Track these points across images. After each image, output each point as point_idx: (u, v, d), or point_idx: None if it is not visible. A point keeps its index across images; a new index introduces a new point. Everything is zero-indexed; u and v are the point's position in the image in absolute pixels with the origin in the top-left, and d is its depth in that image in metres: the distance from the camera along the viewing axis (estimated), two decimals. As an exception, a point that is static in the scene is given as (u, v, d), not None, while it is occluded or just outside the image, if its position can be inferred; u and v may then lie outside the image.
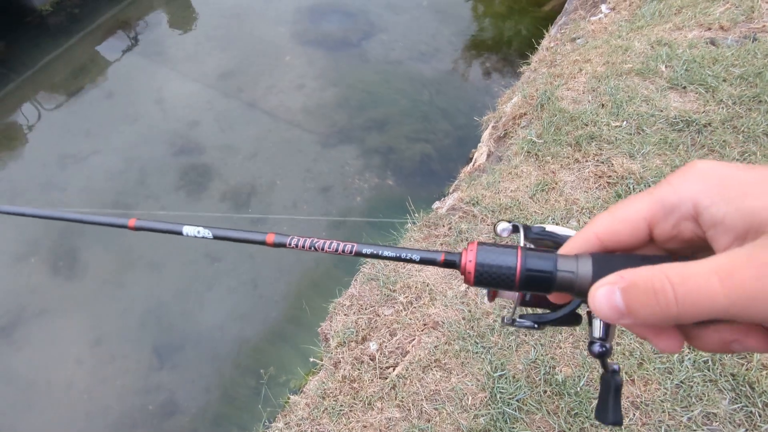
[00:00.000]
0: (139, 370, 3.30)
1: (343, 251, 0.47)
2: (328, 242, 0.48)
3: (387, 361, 1.99)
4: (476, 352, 1.89)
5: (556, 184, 2.31)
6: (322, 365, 2.20)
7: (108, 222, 0.61)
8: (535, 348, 1.85)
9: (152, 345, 3.40)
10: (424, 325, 2.03)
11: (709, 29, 2.67)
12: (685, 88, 2.42)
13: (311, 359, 2.28)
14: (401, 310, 2.13)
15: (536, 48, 3.73)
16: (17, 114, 4.97)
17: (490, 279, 0.39)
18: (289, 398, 2.13)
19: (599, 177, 2.26)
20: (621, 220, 0.34)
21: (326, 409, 1.94)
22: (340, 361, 2.09)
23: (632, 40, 2.75)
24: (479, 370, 1.86)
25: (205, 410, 3.08)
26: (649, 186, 2.15)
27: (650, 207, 0.33)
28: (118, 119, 4.70)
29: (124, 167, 4.33)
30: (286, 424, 1.97)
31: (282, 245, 0.50)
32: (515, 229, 0.45)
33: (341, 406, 1.93)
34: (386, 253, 0.45)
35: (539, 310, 0.46)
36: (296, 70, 4.86)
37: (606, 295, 0.30)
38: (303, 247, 0.49)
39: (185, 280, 3.67)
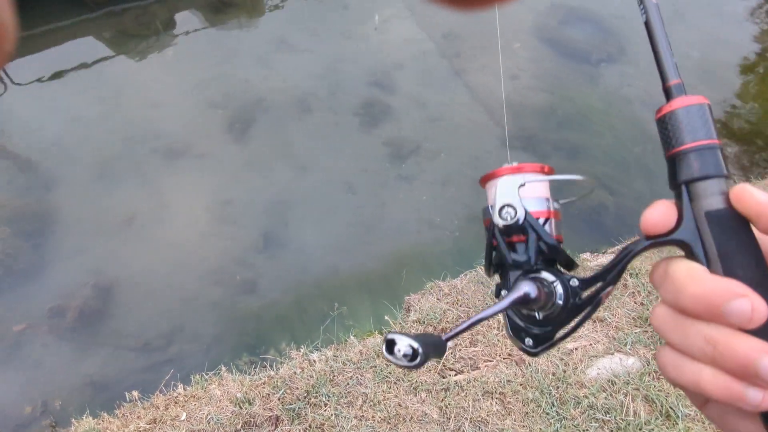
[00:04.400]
0: (246, 244, 3.73)
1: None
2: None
3: (453, 364, 1.96)
4: (547, 413, 1.75)
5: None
6: (390, 330, 2.26)
7: None
8: (614, 450, 1.65)
9: (265, 229, 3.81)
10: (509, 354, 1.93)
11: None
12: None
13: (386, 317, 2.34)
14: (494, 328, 2.06)
15: (806, 157, 3.13)
16: (269, -8, 5.79)
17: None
18: (348, 338, 2.24)
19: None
20: None
21: (375, 367, 2.00)
22: (410, 336, 2.12)
23: None
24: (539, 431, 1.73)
25: (274, 305, 3.39)
26: None
27: None
28: (339, 32, 5.20)
29: (322, 74, 4.79)
30: (334, 356, 2.09)
31: None
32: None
33: (389, 373, 1.96)
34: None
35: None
36: (519, 60, 4.80)
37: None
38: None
39: (318, 193, 4.00)
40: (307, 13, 5.58)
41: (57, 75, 4.71)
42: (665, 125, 0.40)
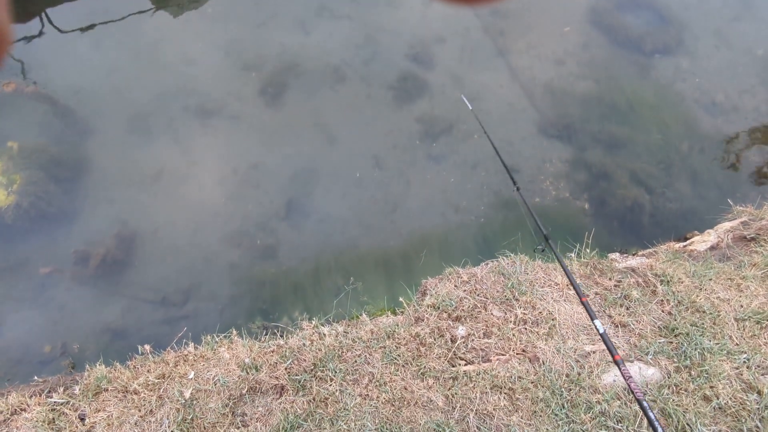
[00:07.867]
0: (269, 210, 3.74)
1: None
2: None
3: (464, 354, 1.92)
4: (556, 414, 1.71)
5: (781, 327, 1.85)
6: (404, 311, 2.23)
7: None
8: (623, 461, 1.59)
9: (290, 196, 3.80)
10: (524, 350, 1.88)
11: None
12: None
13: (400, 299, 2.31)
14: (510, 321, 2.00)
15: None
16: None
17: None
18: (360, 316, 2.22)
19: None
20: None
21: (384, 348, 1.98)
22: (422, 319, 2.09)
23: None
24: (546, 432, 1.68)
25: (292, 272, 3.41)
26: None
27: None
28: (384, 1, 5.04)
29: (360, 43, 4.67)
30: (345, 332, 2.08)
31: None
32: None
33: (398, 356, 1.94)
34: None
35: None
36: (567, 45, 4.58)
37: None
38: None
39: (344, 165, 3.95)
40: (350, -20, 5.41)
41: (98, 25, 4.74)
42: None
